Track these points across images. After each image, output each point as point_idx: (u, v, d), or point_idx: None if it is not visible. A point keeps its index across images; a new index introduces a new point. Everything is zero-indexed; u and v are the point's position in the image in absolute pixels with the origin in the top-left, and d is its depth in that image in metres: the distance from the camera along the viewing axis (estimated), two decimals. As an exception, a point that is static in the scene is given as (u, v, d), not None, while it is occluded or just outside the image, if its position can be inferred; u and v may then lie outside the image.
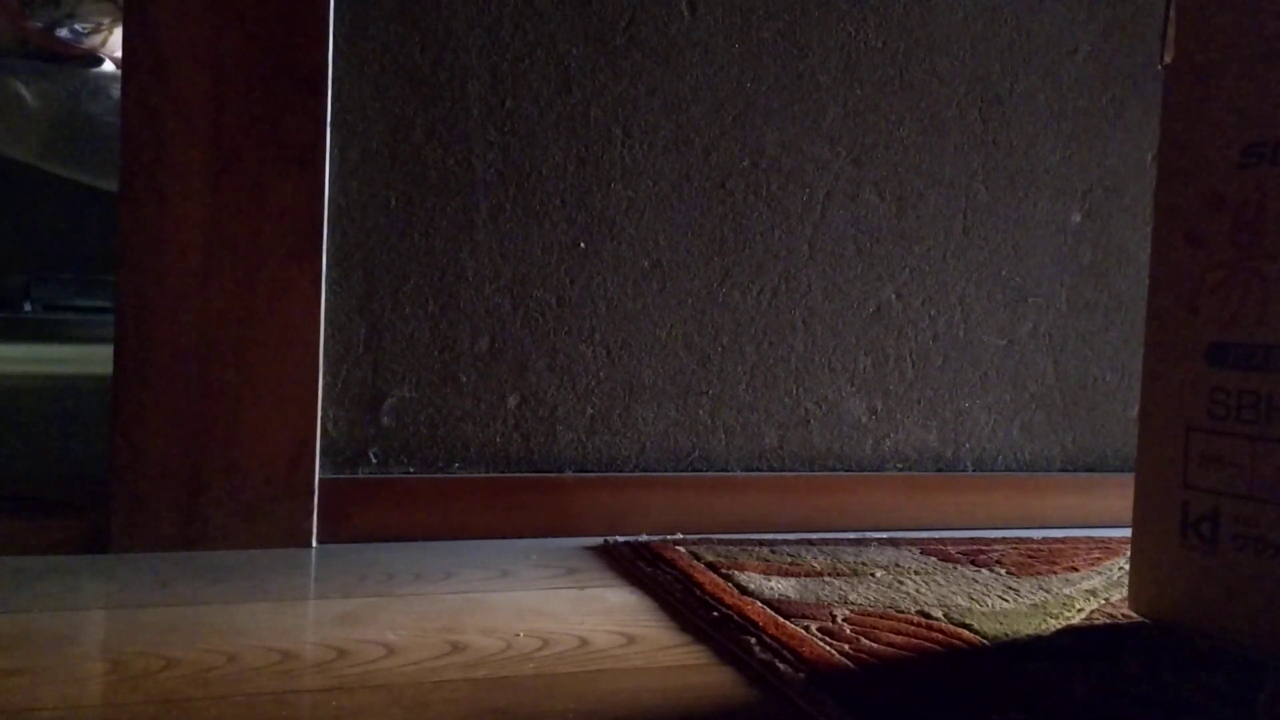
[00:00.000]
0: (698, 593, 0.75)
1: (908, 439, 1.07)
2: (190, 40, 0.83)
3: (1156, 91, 1.11)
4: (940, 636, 0.69)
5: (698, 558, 0.85)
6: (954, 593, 0.79)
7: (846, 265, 1.04)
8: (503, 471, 0.95)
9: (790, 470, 1.03)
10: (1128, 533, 0.76)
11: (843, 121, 1.03)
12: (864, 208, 1.04)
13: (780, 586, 0.78)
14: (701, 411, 1.00)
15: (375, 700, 0.56)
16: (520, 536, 0.94)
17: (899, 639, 0.67)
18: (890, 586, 0.80)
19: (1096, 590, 0.81)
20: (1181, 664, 0.66)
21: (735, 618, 0.70)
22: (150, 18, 0.83)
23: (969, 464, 1.09)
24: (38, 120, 1.88)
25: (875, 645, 0.66)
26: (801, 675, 0.60)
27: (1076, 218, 1.11)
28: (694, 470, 1.00)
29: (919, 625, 0.71)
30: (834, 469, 1.05)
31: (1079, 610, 0.76)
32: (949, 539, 0.98)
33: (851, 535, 0.99)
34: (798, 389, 1.03)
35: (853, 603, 0.75)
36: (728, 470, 1.01)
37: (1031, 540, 0.98)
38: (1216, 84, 0.70)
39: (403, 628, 0.68)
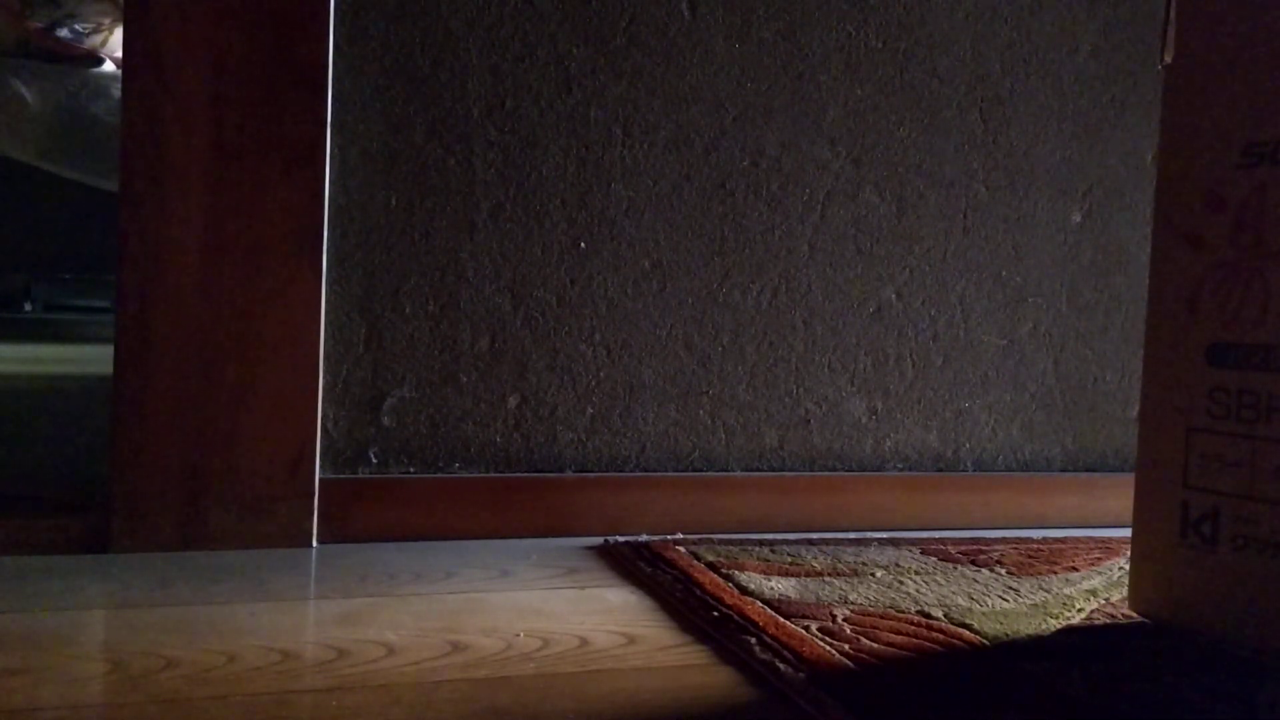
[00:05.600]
0: (698, 593, 0.75)
1: (908, 439, 1.07)
2: (190, 40, 0.83)
3: (1156, 91, 1.11)
4: (940, 636, 0.69)
5: (698, 558, 0.85)
6: (954, 593, 0.79)
7: (846, 265, 1.04)
8: (503, 471, 0.95)
9: (790, 470, 1.03)
10: (1128, 533, 0.76)
11: (843, 121, 1.03)
12: (864, 208, 1.04)
13: (780, 586, 0.78)
14: (701, 411, 1.00)
15: (375, 700, 0.56)
16: (520, 536, 0.94)
17: (899, 639, 0.68)
18: (890, 586, 0.80)
19: (1096, 590, 0.81)
20: (1181, 664, 0.66)
21: (735, 618, 0.70)
22: (150, 17, 0.83)
23: (969, 464, 1.09)
24: (38, 120, 1.88)
25: (875, 645, 0.66)
26: (802, 675, 0.60)
27: (1076, 218, 1.11)
28: (694, 470, 1.00)
29: (919, 625, 0.71)
30: (834, 469, 1.05)
31: (1079, 610, 0.76)
32: (949, 539, 0.98)
33: (852, 535, 0.99)
34: (798, 389, 1.03)
35: (853, 603, 0.75)
36: (728, 470, 1.01)
37: (1031, 540, 0.98)
38: (1216, 84, 0.70)
39: (403, 628, 0.68)
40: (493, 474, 0.95)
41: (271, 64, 0.85)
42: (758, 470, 1.02)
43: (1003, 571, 0.85)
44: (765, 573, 0.81)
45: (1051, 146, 1.10)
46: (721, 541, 0.92)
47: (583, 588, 0.79)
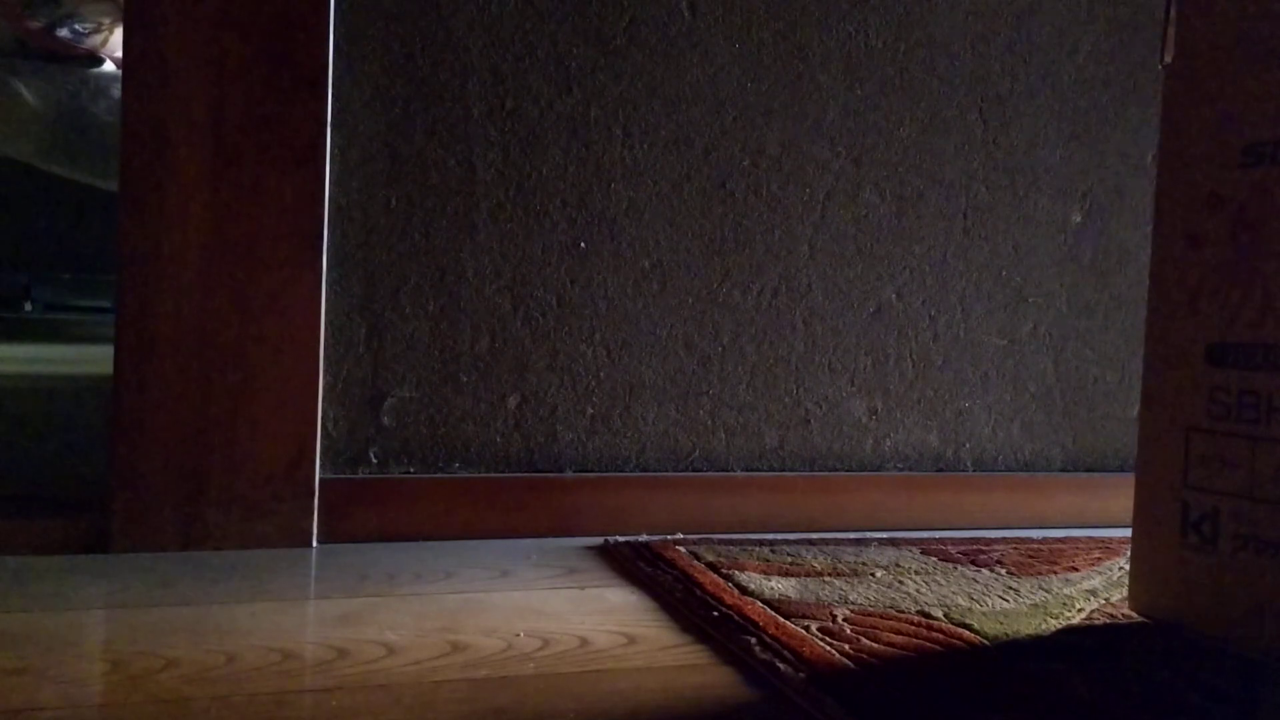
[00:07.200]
0: (698, 593, 0.75)
1: (908, 439, 1.07)
2: (190, 40, 0.83)
3: (1156, 91, 1.11)
4: (941, 636, 0.69)
5: (698, 558, 0.85)
6: (954, 593, 0.79)
7: (846, 265, 1.04)
8: (503, 471, 0.95)
9: (790, 470, 1.03)
10: (1128, 533, 0.76)
11: (843, 121, 1.03)
12: (864, 208, 1.04)
13: (780, 586, 0.78)
14: (701, 411, 1.00)
15: (375, 700, 0.56)
16: (520, 536, 0.94)
17: (899, 639, 0.68)
18: (890, 586, 0.80)
19: (1096, 590, 0.81)
20: (1181, 664, 0.66)
21: (735, 617, 0.70)
22: (150, 18, 0.83)
23: (969, 464, 1.09)
24: (38, 120, 1.88)
25: (876, 645, 0.66)
26: (802, 675, 0.60)
27: (1076, 218, 1.11)
28: (694, 470, 1.00)
29: (919, 625, 0.71)
30: (834, 469, 1.05)
31: (1079, 610, 0.76)
32: (949, 539, 0.98)
33: (852, 535, 0.99)
34: (798, 389, 1.03)
35: (853, 603, 0.75)
36: (728, 470, 1.01)
37: (1031, 540, 0.98)
38: (1217, 84, 0.70)
39: (403, 628, 0.68)
40: (493, 474, 0.95)
41: (271, 64, 0.85)
42: (758, 470, 1.02)
43: (1003, 571, 0.85)
44: (765, 573, 0.81)
45: (1051, 146, 1.10)
46: (721, 541, 0.92)
47: (583, 588, 0.79)
